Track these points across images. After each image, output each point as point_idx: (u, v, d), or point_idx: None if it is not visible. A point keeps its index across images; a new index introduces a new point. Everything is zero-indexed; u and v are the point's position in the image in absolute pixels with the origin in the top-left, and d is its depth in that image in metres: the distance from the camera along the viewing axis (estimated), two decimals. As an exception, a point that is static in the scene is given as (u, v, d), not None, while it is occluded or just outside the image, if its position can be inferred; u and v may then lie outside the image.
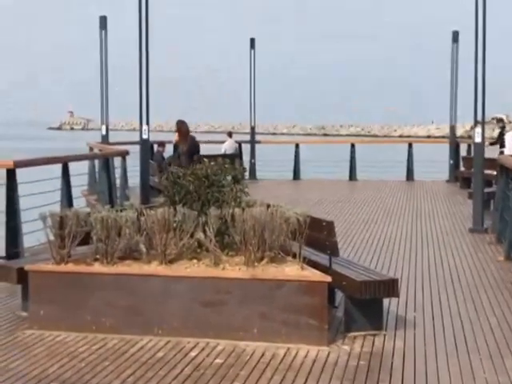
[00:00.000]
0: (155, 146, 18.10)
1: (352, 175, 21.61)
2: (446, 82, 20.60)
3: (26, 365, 5.35)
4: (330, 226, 6.35)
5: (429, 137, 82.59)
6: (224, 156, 17.99)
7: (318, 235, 6.38)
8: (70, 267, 6.21)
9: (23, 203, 9.25)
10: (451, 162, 20.92)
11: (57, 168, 11.07)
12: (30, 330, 6.13)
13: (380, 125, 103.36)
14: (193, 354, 5.58)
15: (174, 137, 11.79)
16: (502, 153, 16.31)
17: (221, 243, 6.22)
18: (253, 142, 22.28)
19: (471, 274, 8.53)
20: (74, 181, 11.38)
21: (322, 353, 5.60)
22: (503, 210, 10.54)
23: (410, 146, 21.99)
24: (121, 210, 6.52)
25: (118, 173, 14.70)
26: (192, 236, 6.23)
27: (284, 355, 5.55)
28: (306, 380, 5.07)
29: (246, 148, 22.36)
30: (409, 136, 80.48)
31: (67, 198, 10.76)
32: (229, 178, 6.79)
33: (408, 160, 21.68)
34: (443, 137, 60.78)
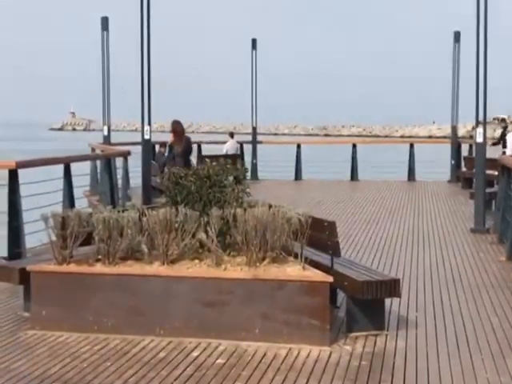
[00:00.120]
0: (157, 147, 18.11)
1: (353, 175, 21.61)
2: (448, 82, 20.61)
3: (28, 365, 5.35)
4: (331, 226, 6.35)
5: (430, 137, 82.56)
6: (226, 156, 18.00)
7: (320, 235, 6.39)
8: (72, 268, 6.22)
9: (25, 204, 9.26)
10: (453, 162, 20.91)
11: (59, 169, 11.08)
12: (32, 331, 6.14)
13: (381, 125, 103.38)
14: (195, 354, 5.59)
15: (169, 137, 11.76)
16: (504, 153, 16.30)
17: (222, 243, 6.23)
18: (254, 143, 22.28)
19: (473, 273, 8.53)
20: (75, 181, 11.39)
21: (324, 353, 5.60)
22: (505, 210, 10.54)
23: (412, 146, 21.98)
24: (123, 211, 6.53)
25: (119, 173, 14.70)
26: (194, 236, 6.23)
27: (286, 355, 5.55)
28: (308, 380, 5.07)
29: (247, 148, 22.36)
30: (410, 136, 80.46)
31: (69, 199, 10.77)
32: (230, 178, 6.79)
33: (409, 160, 21.68)
34: (445, 137, 60.77)
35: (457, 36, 20.29)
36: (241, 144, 22.10)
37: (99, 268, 6.19)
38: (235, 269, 6.02)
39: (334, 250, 6.43)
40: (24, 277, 6.41)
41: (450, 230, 11.90)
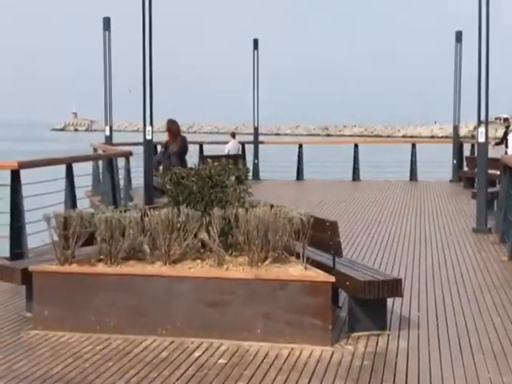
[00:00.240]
0: (159, 147, 18.11)
1: (355, 175, 21.60)
2: (448, 82, 20.61)
3: (30, 365, 5.36)
4: (333, 226, 6.35)
5: (432, 137, 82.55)
6: (227, 156, 18.01)
7: (322, 235, 6.39)
8: (74, 268, 6.22)
9: (27, 204, 9.27)
10: (455, 162, 20.90)
11: (61, 169, 11.09)
12: (35, 331, 6.14)
13: (383, 125, 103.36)
14: (196, 354, 5.59)
15: (166, 136, 11.74)
16: (506, 153, 16.30)
17: (224, 243, 6.23)
18: (256, 143, 22.28)
19: (475, 273, 8.53)
20: (77, 182, 11.40)
21: (326, 353, 5.60)
22: (507, 210, 10.53)
23: (414, 146, 21.98)
24: (125, 211, 6.54)
25: (121, 174, 14.71)
26: (196, 236, 6.23)
27: (288, 355, 5.55)
28: (310, 380, 5.07)
29: (249, 148, 22.37)
30: (412, 136, 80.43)
31: (71, 199, 10.78)
32: (232, 178, 6.80)
33: (411, 160, 21.67)
34: (446, 137, 60.73)
35: (458, 36, 20.27)
36: (242, 144, 22.10)
37: (101, 268, 6.20)
38: (237, 269, 6.02)
39: (336, 250, 6.43)
40: (26, 277, 6.42)
41: (451, 229, 11.89)
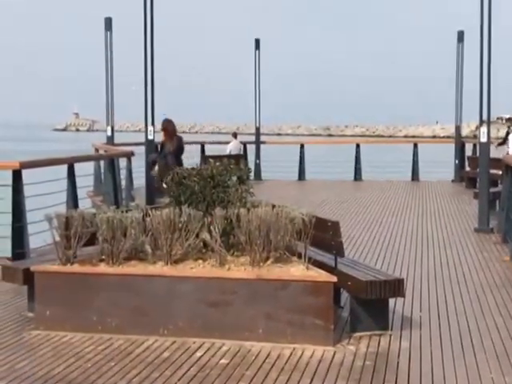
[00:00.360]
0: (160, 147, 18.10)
1: (357, 175, 21.60)
2: (448, 82, 20.60)
3: (32, 365, 5.36)
4: (335, 226, 6.34)
5: (434, 137, 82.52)
6: (229, 156, 18.01)
7: (324, 235, 6.38)
8: (76, 268, 6.23)
9: (29, 204, 9.28)
10: (456, 161, 20.89)
11: (62, 169, 11.09)
12: (36, 331, 6.14)
13: (385, 125, 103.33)
14: (198, 354, 5.59)
15: (161, 136, 11.70)
16: (508, 153, 16.28)
17: (226, 243, 6.23)
18: (258, 143, 22.29)
19: (477, 273, 8.52)
20: (79, 182, 11.41)
21: (328, 353, 5.60)
22: (509, 210, 10.52)
23: (416, 146, 21.97)
24: (126, 211, 6.54)
25: (123, 174, 14.72)
26: (197, 236, 6.23)
27: (289, 355, 5.55)
28: (312, 380, 5.07)
29: (251, 148, 22.38)
30: (414, 136, 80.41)
31: (73, 199, 10.78)
32: (234, 178, 6.79)
33: (413, 160, 21.66)
34: (448, 137, 60.71)
35: (460, 35, 20.26)
36: (244, 144, 22.10)
37: (103, 268, 6.20)
38: (239, 269, 6.01)
39: (338, 250, 6.43)
40: (28, 277, 6.42)
41: (453, 229, 11.88)
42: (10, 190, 9.04)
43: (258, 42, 21.91)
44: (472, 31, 12.54)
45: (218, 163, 6.91)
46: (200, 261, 6.21)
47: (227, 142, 21.90)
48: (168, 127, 11.00)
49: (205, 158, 18.68)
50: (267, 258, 6.06)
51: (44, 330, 6.12)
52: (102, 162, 15.91)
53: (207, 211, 6.45)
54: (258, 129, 22.32)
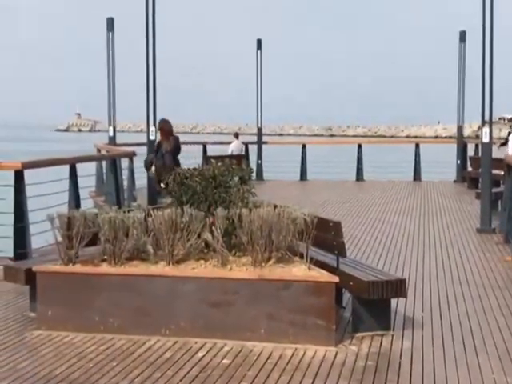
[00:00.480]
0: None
1: (359, 176, 21.60)
2: (448, 82, 20.58)
3: (34, 365, 5.36)
4: (337, 226, 6.34)
5: (436, 137, 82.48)
6: (231, 157, 18.00)
7: (326, 235, 6.38)
8: (78, 268, 6.23)
9: (31, 204, 9.28)
10: (458, 162, 20.88)
11: (64, 169, 11.10)
12: (38, 331, 6.15)
13: (387, 125, 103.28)
14: (200, 354, 5.59)
15: (158, 136, 11.69)
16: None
17: (228, 244, 6.23)
18: (260, 143, 22.29)
19: (479, 273, 8.51)
20: (81, 182, 11.41)
21: (330, 353, 5.60)
22: (511, 210, 10.51)
23: (417, 146, 21.96)
24: (128, 211, 6.54)
25: (125, 174, 14.73)
26: (199, 236, 6.23)
27: (291, 355, 5.54)
28: (314, 380, 5.06)
29: (252, 149, 22.38)
30: (416, 136, 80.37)
31: (75, 199, 10.79)
32: (236, 178, 6.79)
33: (415, 160, 21.65)
34: (450, 137, 60.67)
35: (462, 35, 20.23)
36: (246, 144, 22.11)
37: (105, 268, 6.20)
38: (241, 269, 6.01)
39: (340, 250, 6.42)
40: (30, 277, 6.43)
41: (455, 230, 11.87)
42: (12, 190, 9.05)
43: (259, 42, 21.91)
44: (473, 31, 12.54)
45: (219, 163, 6.91)
46: (202, 261, 6.21)
47: (229, 143, 21.90)
48: (164, 127, 11.00)
49: (207, 158, 18.69)
50: (269, 259, 6.06)
51: (46, 330, 6.13)
52: (104, 163, 15.91)
53: (209, 211, 6.46)
54: (260, 129, 22.32)
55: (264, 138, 22.83)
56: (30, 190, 9.34)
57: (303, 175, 21.90)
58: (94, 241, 6.37)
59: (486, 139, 11.67)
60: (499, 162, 12.90)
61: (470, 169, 19.83)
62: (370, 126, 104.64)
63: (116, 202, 12.32)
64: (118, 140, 18.20)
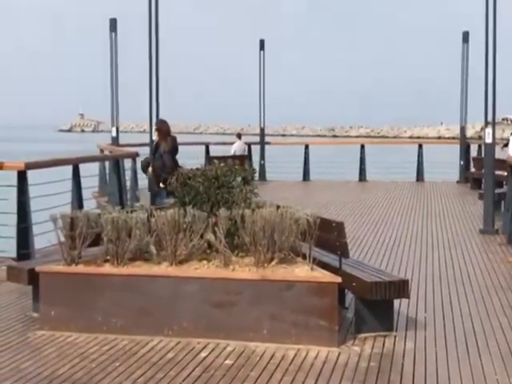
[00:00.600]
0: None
1: (362, 176, 21.59)
2: (457, 83, 20.55)
3: (36, 365, 5.37)
4: (340, 226, 6.34)
5: (439, 138, 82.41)
6: (234, 157, 18.00)
7: (328, 236, 6.38)
8: (81, 268, 6.23)
9: (34, 205, 9.29)
10: (461, 162, 20.86)
11: (67, 170, 11.11)
12: (41, 331, 6.15)
13: (390, 126, 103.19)
14: (203, 354, 5.59)
15: (155, 136, 11.69)
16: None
17: (231, 244, 6.23)
18: (262, 144, 22.28)
19: (482, 274, 8.50)
20: (84, 182, 11.42)
21: (332, 354, 5.59)
22: (514, 211, 10.49)
23: (420, 146, 21.95)
24: (131, 211, 6.54)
25: (128, 174, 14.74)
26: (202, 237, 6.24)
27: (294, 356, 5.54)
28: (316, 381, 5.06)
29: (255, 149, 22.38)
30: (419, 137, 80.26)
31: (78, 200, 10.80)
32: (239, 179, 6.80)
33: (418, 161, 21.64)
34: (453, 138, 60.61)
35: (465, 36, 20.20)
36: (249, 145, 22.10)
37: (108, 269, 6.20)
38: (243, 269, 6.01)
39: (343, 251, 6.42)
40: (33, 277, 6.43)
41: (458, 230, 11.86)
42: (15, 190, 9.06)
43: (262, 42, 21.91)
44: (476, 32, 12.52)
45: (222, 164, 6.91)
46: (204, 261, 6.21)
47: (232, 143, 21.91)
48: (162, 127, 11.01)
49: (209, 158, 18.68)
50: (272, 259, 6.06)
51: (49, 331, 6.13)
52: (106, 163, 15.92)
53: (212, 212, 6.46)
54: (262, 129, 22.31)
55: (267, 139, 22.81)
56: (32, 191, 9.35)
57: (306, 176, 21.90)
58: (96, 241, 6.37)
59: (488, 140, 11.66)
60: (502, 163, 12.89)
61: (472, 169, 19.81)
62: (372, 127, 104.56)
63: (119, 202, 12.33)
64: (121, 140, 18.20)
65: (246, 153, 21.40)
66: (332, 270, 6.19)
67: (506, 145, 18.52)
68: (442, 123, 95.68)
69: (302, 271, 5.93)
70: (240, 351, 5.65)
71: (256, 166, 19.89)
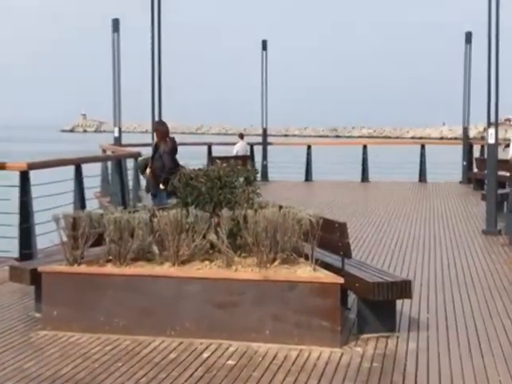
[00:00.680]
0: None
1: (364, 176, 21.57)
2: (459, 83, 20.54)
3: (39, 365, 5.37)
4: (342, 227, 6.33)
5: (442, 138, 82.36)
6: (236, 158, 17.99)
7: (331, 236, 6.37)
8: (83, 268, 6.23)
9: (36, 205, 9.30)
10: (464, 163, 20.84)
11: (70, 170, 11.11)
12: (44, 331, 6.15)
13: (392, 126, 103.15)
14: (205, 355, 5.59)
15: (155, 137, 11.69)
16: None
17: (233, 244, 6.22)
18: (265, 144, 22.28)
19: (484, 275, 8.49)
20: (86, 182, 11.43)
21: (335, 354, 5.59)
22: (517, 212, 10.48)
23: (423, 147, 21.92)
24: (133, 212, 6.54)
25: (130, 174, 14.74)
26: (204, 237, 6.23)
27: (296, 357, 5.54)
28: (319, 382, 5.06)
29: (258, 150, 22.38)
30: (421, 137, 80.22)
31: (80, 200, 10.80)
32: (241, 179, 6.80)
33: (420, 161, 21.62)
34: (456, 138, 60.58)
35: (468, 37, 20.19)
36: (251, 145, 22.10)
37: (110, 269, 6.20)
38: (246, 270, 6.01)
39: (345, 251, 6.42)
40: (35, 277, 6.44)
41: (461, 231, 11.85)
42: (17, 190, 9.07)
43: (265, 43, 21.90)
44: (479, 32, 12.50)
45: (224, 164, 6.91)
46: (207, 262, 6.21)
47: (234, 143, 21.91)
48: (160, 129, 11.02)
49: (212, 159, 18.68)
50: (274, 259, 6.05)
51: (51, 331, 6.13)
52: (109, 163, 15.93)
53: (214, 212, 6.45)
54: (265, 130, 22.31)
55: (269, 139, 22.82)
56: (35, 191, 9.36)
57: (308, 176, 21.89)
58: (99, 241, 6.37)
59: (491, 140, 11.64)
60: (505, 164, 12.88)
61: (475, 170, 19.79)
62: (375, 127, 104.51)
63: (121, 202, 12.34)
64: (124, 140, 18.19)
65: (249, 153, 21.40)
66: (334, 270, 6.18)
67: (508, 145, 18.50)
68: (444, 124, 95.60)
69: (304, 272, 5.93)
70: (242, 351, 5.65)
71: (258, 166, 19.88)
